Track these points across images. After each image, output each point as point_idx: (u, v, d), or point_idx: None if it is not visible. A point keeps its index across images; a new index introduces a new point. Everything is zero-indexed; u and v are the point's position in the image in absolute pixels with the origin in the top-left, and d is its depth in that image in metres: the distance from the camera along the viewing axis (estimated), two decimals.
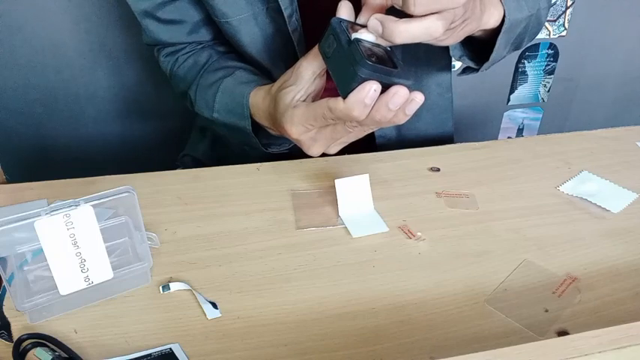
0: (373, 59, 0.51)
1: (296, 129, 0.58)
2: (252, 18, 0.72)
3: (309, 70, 0.59)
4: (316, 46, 0.58)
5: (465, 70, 0.74)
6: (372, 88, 0.50)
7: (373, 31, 0.52)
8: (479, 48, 0.70)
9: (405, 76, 0.52)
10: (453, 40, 0.56)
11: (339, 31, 0.53)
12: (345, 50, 0.51)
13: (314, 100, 0.62)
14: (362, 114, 0.52)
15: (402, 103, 0.51)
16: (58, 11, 1.11)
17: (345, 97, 0.51)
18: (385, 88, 0.51)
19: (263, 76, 0.75)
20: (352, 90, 0.50)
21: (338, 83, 0.53)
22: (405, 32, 0.49)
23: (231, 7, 0.71)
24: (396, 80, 0.51)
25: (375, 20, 0.51)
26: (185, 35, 0.78)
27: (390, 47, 0.55)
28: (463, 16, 0.54)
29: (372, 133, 0.73)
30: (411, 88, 0.51)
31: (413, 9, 0.48)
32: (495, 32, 0.64)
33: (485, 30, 0.63)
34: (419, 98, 0.51)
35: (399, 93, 0.50)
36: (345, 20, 0.55)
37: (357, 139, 0.60)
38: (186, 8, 0.76)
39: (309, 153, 0.61)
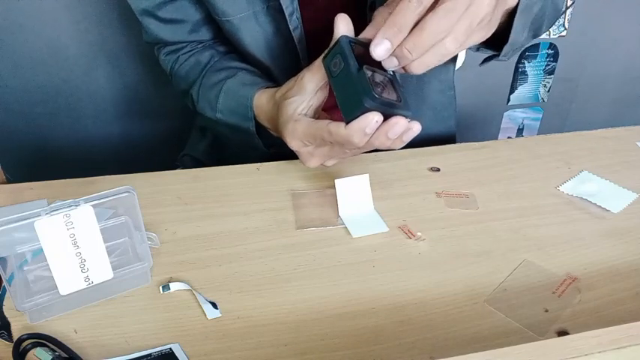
0: (379, 89, 0.52)
1: (295, 143, 0.61)
2: (252, 16, 0.72)
3: (312, 83, 0.60)
4: (319, 59, 0.58)
5: (487, 59, 0.72)
6: (374, 119, 0.52)
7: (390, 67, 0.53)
8: (492, 37, 0.69)
9: (406, 107, 0.54)
10: (489, 30, 0.56)
11: (348, 54, 0.53)
12: (353, 76, 0.52)
13: (317, 111, 0.62)
14: (361, 141, 0.54)
15: (401, 132, 0.53)
16: (58, 11, 1.11)
17: (347, 122, 0.53)
18: (386, 116, 0.52)
19: (265, 77, 0.76)
20: (355, 117, 0.52)
21: (341, 105, 0.54)
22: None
23: (231, 5, 0.71)
24: (398, 112, 0.53)
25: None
26: (186, 34, 0.79)
27: (394, 73, 0.56)
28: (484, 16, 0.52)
29: None
30: (410, 119, 0.54)
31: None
32: (511, 16, 0.63)
33: (506, 10, 0.61)
34: (416, 128, 0.54)
35: (399, 124, 0.53)
36: (352, 38, 0.56)
37: (352, 156, 0.62)
38: (187, 7, 0.76)
39: (306, 165, 0.63)
